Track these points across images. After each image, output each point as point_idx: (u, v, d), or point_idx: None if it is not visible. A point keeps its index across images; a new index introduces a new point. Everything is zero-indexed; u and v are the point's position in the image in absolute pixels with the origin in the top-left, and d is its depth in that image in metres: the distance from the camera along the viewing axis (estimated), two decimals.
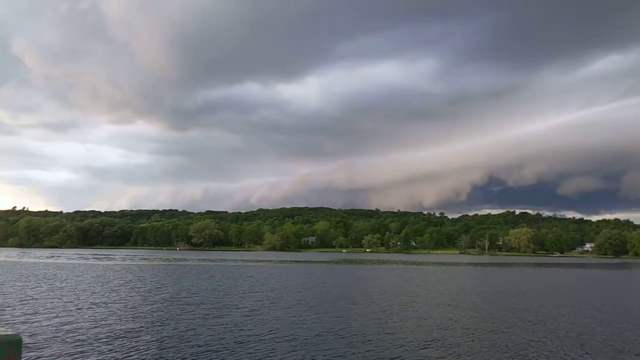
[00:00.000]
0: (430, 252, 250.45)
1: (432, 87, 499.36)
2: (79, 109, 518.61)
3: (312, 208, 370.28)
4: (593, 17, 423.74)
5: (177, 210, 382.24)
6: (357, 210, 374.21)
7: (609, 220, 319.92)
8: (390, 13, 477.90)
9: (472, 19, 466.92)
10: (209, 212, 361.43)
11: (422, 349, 17.54)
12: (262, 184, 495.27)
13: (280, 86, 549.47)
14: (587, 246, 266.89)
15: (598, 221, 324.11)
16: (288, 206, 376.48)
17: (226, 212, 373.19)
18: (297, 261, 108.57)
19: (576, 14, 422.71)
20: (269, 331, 20.20)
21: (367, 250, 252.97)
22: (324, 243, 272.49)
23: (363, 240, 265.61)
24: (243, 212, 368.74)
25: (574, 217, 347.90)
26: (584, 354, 17.37)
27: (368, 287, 43.83)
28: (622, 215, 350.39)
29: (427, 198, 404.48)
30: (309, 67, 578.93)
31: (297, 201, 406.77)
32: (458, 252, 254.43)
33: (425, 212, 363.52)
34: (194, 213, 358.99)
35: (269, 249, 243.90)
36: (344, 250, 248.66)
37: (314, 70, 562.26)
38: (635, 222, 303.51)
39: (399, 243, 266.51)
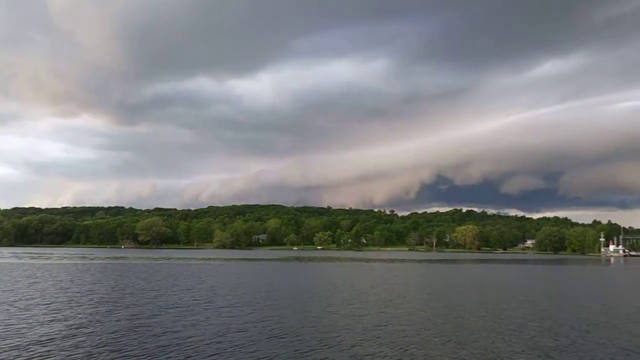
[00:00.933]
0: (380, 249, 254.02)
1: (385, 87, 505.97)
2: (19, 100, 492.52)
3: (264, 205, 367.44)
4: (539, 22, 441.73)
5: (123, 207, 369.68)
6: (309, 207, 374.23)
7: (549, 218, 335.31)
8: (345, 12, 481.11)
9: (425, 20, 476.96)
10: (157, 210, 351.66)
11: (353, 347, 17.10)
12: (213, 180, 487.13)
13: (234, 81, 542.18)
14: (528, 242, 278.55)
15: (539, 219, 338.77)
16: (239, 203, 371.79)
17: (175, 209, 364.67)
18: (246, 259, 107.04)
19: (524, 18, 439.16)
20: (197, 332, 19.22)
21: (318, 247, 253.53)
22: (275, 241, 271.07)
23: (314, 238, 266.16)
24: (193, 209, 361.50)
25: (516, 215, 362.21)
26: (512, 350, 17.47)
27: (312, 285, 43.40)
28: (561, 213, 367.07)
29: (378, 196, 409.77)
30: (263, 63, 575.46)
31: (248, 198, 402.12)
32: (407, 248, 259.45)
33: (376, 210, 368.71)
34: (141, 210, 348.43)
35: (218, 247, 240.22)
36: (294, 248, 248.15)
37: (268, 66, 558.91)
38: (573, 220, 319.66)
39: (349, 240, 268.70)
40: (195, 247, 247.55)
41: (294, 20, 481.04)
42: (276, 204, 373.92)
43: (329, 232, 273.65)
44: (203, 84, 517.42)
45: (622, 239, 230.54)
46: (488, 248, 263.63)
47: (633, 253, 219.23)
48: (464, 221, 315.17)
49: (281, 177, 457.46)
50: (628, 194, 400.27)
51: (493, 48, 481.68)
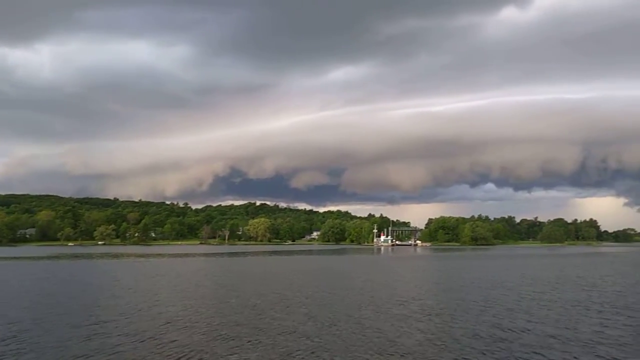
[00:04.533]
0: (171, 243, 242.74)
1: (184, 74, 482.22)
2: None
3: (35, 196, 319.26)
4: (335, 30, 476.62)
5: None
6: (91, 199, 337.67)
7: (333, 211, 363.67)
8: None
9: (228, 11, 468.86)
10: None
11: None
12: None
13: (4, 50, 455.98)
14: (315, 234, 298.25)
15: (324, 212, 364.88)
16: (2, 193, 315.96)
17: None
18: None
19: (322, 24, 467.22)
20: None
21: (100, 243, 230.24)
22: (46, 236, 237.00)
23: (95, 232, 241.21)
24: None
25: (305, 209, 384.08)
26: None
27: (49, 288, 36.01)
28: (343, 207, 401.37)
29: (171, 187, 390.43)
30: (43, 33, 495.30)
31: (14, 187, 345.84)
32: (199, 242, 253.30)
33: (169, 202, 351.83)
34: None
35: None
36: (70, 244, 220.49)
37: (50, 37, 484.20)
38: (353, 213, 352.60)
39: (136, 234, 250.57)
40: None
41: None
42: (51, 194, 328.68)
43: (114, 225, 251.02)
44: None
45: (391, 230, 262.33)
46: (278, 240, 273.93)
47: (398, 242, 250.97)
48: (258, 214, 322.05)
49: (58, 163, 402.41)
50: (396, 191, 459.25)
51: (293, 49, 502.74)
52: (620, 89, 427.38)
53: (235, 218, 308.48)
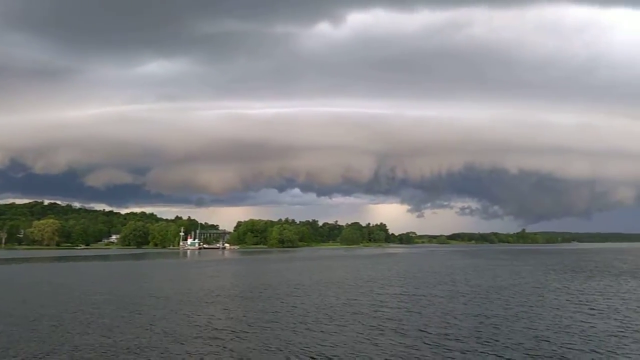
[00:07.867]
0: None
1: None
2: None
3: None
4: (149, 21, 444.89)
5: None
6: None
7: (136, 213, 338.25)
8: None
9: None
10: None
11: None
12: None
13: None
14: (113, 237, 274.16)
15: (127, 214, 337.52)
16: None
17: None
18: None
19: (134, 12, 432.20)
20: None
21: None
22: None
23: None
24: None
25: (104, 210, 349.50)
26: None
27: None
28: (148, 209, 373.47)
29: None
30: None
31: None
32: None
33: None
34: None
35: None
36: None
37: None
38: (159, 215, 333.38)
39: None
40: None
41: None
42: None
43: None
44: None
45: (199, 233, 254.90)
46: (69, 244, 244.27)
47: (206, 246, 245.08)
48: (46, 215, 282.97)
49: None
50: (205, 193, 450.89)
51: (102, 35, 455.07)
52: (409, 108, 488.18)
53: (17, 219, 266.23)
